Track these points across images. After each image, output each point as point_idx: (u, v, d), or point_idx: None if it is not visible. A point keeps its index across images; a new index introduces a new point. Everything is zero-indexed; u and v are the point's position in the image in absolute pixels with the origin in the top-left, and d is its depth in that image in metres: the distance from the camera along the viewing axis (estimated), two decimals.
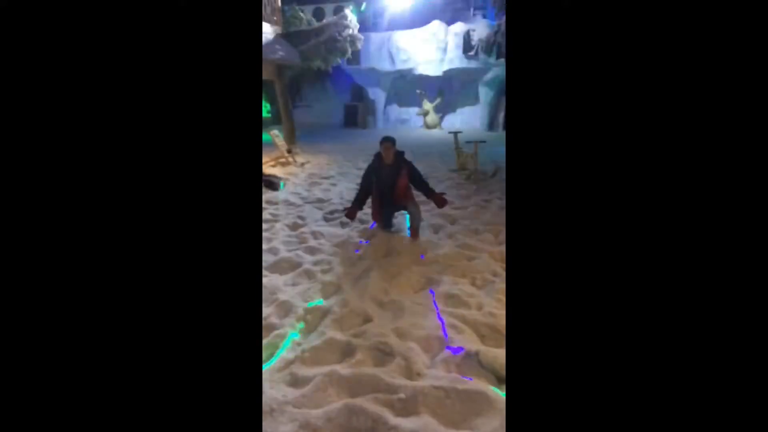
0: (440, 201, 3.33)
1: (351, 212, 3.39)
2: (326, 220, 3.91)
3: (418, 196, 3.40)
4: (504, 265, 2.69)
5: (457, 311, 2.14)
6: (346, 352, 1.85)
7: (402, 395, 1.52)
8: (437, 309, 2.16)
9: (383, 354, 1.82)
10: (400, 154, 3.32)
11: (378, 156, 3.32)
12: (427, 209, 3.86)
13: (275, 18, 7.34)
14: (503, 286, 2.34)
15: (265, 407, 1.49)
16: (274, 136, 7.25)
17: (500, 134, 11.02)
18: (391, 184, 3.29)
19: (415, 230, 3.29)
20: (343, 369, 1.68)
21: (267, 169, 6.54)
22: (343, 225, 3.68)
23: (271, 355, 1.84)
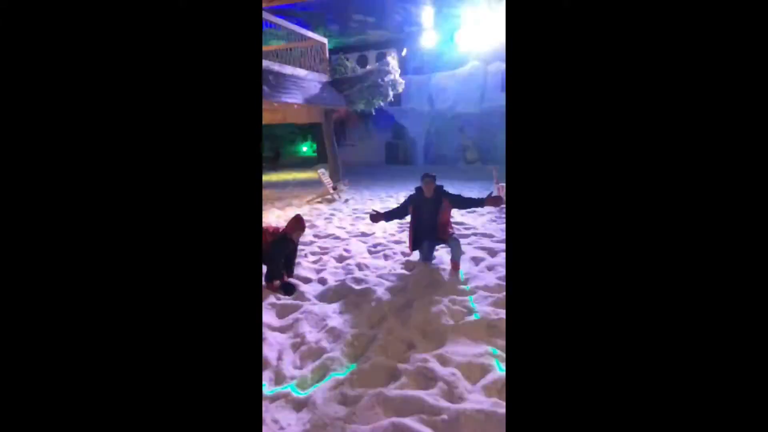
0: (495, 201, 3.34)
1: (374, 217, 3.58)
2: (370, 252, 4.10)
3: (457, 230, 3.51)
4: None
5: (498, 341, 2.20)
6: (392, 375, 1.97)
7: (445, 416, 1.61)
8: None
9: (426, 378, 1.92)
10: (440, 188, 3.50)
11: (420, 189, 3.52)
12: (468, 242, 3.95)
13: (322, 66, 8.01)
14: None
15: (318, 422, 1.63)
16: (320, 174, 7.72)
17: None
18: (431, 218, 3.46)
19: (455, 262, 3.39)
20: (389, 390, 1.80)
21: (313, 204, 6.94)
22: (386, 257, 3.85)
23: (324, 375, 1.99)
